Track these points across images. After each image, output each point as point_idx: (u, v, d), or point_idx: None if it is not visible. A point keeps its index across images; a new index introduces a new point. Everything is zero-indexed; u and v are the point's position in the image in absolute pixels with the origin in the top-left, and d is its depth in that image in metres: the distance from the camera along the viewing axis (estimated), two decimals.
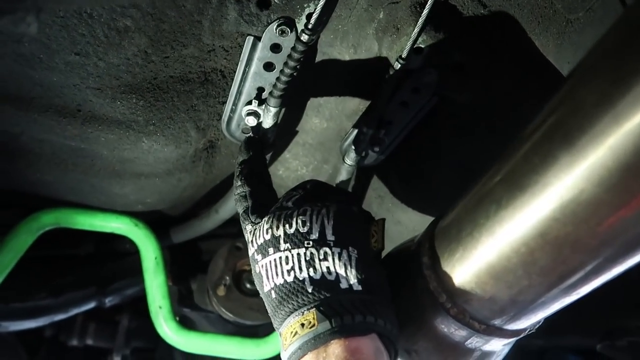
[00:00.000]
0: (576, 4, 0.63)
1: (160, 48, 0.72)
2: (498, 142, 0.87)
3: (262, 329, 1.27)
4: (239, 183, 0.74)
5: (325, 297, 0.55)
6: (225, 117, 0.89)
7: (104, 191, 1.01)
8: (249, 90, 0.83)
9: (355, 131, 0.94)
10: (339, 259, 0.57)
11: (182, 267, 1.29)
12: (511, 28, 0.72)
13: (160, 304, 1.11)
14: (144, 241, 1.12)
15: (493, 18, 0.74)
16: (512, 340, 0.59)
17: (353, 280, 0.56)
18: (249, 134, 0.86)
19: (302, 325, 0.54)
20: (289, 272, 0.58)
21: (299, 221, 0.60)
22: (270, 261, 0.60)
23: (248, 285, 1.25)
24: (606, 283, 0.47)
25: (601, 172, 0.37)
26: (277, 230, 0.61)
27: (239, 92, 0.84)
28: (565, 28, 0.67)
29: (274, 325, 0.61)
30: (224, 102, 0.88)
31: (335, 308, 0.54)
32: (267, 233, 0.61)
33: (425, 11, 0.70)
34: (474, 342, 0.58)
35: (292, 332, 0.55)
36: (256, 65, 0.79)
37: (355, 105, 0.95)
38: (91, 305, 1.25)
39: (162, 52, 0.73)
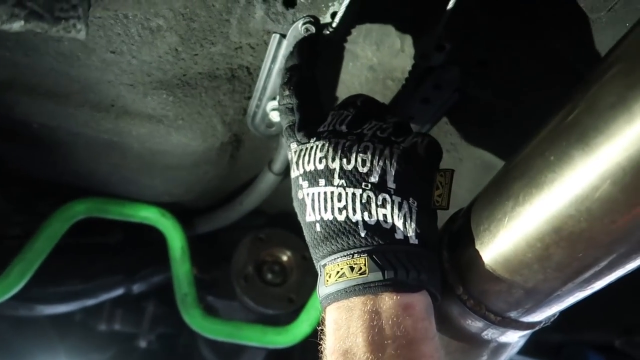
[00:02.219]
0: (598, 3, 0.64)
1: (190, 46, 0.75)
2: (517, 138, 0.88)
3: (283, 318, 1.30)
4: (287, 92, 0.65)
5: (379, 245, 0.52)
6: (250, 112, 0.92)
7: (134, 182, 1.05)
8: (273, 86, 0.85)
9: None
10: (399, 210, 0.53)
11: (207, 257, 1.33)
12: (533, 25, 0.73)
13: (186, 291, 1.16)
14: (171, 231, 1.17)
15: (515, 15, 0.75)
16: (528, 332, 0.61)
17: (411, 233, 0.53)
18: (307, 33, 0.74)
19: (352, 268, 0.52)
20: (340, 210, 0.54)
21: (359, 159, 0.55)
22: (319, 192, 0.56)
23: (270, 276, 1.28)
24: (625, 279, 0.49)
25: (616, 171, 0.39)
26: (332, 162, 0.56)
27: (264, 88, 0.87)
28: (587, 27, 0.67)
29: (313, 256, 0.58)
30: (250, 98, 0.91)
31: (389, 259, 0.51)
32: (319, 162, 0.57)
33: (448, 8, 0.72)
34: (490, 333, 0.60)
35: (337, 272, 0.53)
36: (281, 62, 0.81)
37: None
38: (120, 291, 1.31)
39: (191, 49, 0.76)
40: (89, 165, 0.99)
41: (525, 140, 0.52)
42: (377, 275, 0.51)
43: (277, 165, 1.01)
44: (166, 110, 0.84)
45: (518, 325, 0.58)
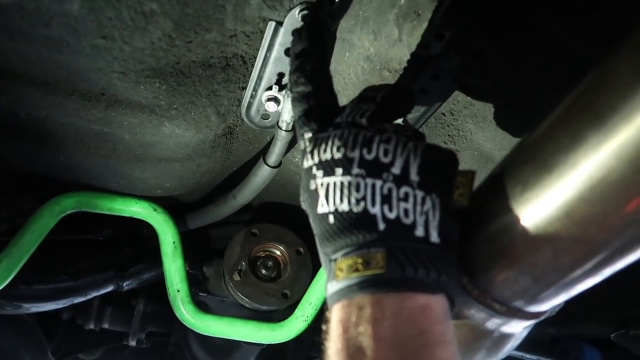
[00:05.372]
0: None
1: (184, 32, 0.73)
2: (516, 130, 0.87)
3: (276, 314, 1.28)
4: (301, 80, 0.61)
5: (398, 241, 0.49)
6: (245, 103, 0.90)
7: (125, 175, 1.03)
8: (269, 75, 0.84)
9: None
10: (422, 205, 0.50)
11: (199, 253, 1.31)
12: (532, 15, 0.72)
13: (178, 287, 1.13)
14: (163, 226, 1.14)
15: (514, 4, 0.74)
16: (532, 322, 0.60)
17: (432, 230, 0.50)
18: (311, 15, 0.71)
19: (368, 263, 0.48)
20: (358, 201, 0.50)
21: (382, 148, 0.52)
22: (335, 182, 0.52)
23: (263, 271, 1.26)
24: (620, 272, 0.48)
25: (632, 151, 0.38)
26: (352, 151, 0.52)
27: (260, 78, 0.85)
28: (586, 18, 0.66)
29: (322, 250, 0.54)
30: (245, 88, 0.89)
31: (409, 257, 0.48)
32: (337, 150, 0.53)
33: None
34: (494, 323, 0.59)
35: (351, 266, 0.49)
36: (277, 50, 0.80)
37: None
38: (109, 288, 1.28)
39: (185, 36, 0.74)
40: (78, 157, 0.96)
41: (526, 128, 0.51)
42: (396, 272, 0.47)
43: (273, 158, 0.99)
44: (159, 99, 0.81)
45: (523, 315, 0.57)
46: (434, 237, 0.49)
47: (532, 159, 0.47)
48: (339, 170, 0.52)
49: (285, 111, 0.87)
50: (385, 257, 0.48)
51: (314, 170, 0.54)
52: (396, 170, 0.51)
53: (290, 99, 0.70)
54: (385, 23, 0.81)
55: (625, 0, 0.61)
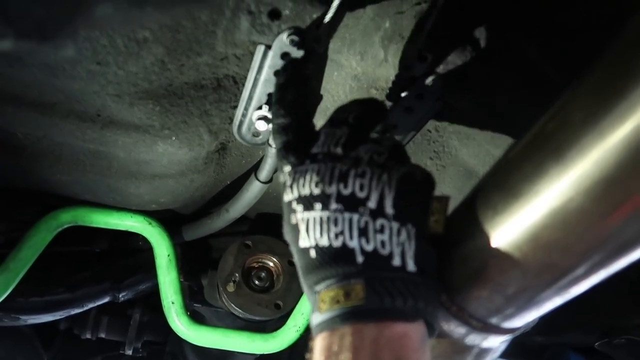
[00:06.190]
0: (572, 17, 0.66)
1: (176, 57, 0.76)
2: (498, 147, 0.90)
3: (269, 324, 1.31)
4: (281, 111, 0.65)
5: (377, 272, 0.51)
6: (236, 121, 0.93)
7: (120, 191, 1.05)
8: (259, 95, 0.86)
9: None
10: (397, 236, 0.52)
11: (193, 264, 1.33)
12: (513, 39, 0.75)
13: (172, 299, 1.16)
14: (158, 239, 1.17)
15: (495, 29, 0.77)
16: (509, 337, 0.63)
17: (409, 260, 0.52)
18: (292, 57, 0.75)
19: (348, 294, 0.51)
20: (337, 236, 0.53)
21: (357, 183, 0.54)
22: (314, 217, 0.55)
23: (257, 282, 1.29)
24: (605, 283, 0.50)
25: (587, 183, 0.41)
26: (329, 186, 0.55)
27: (250, 98, 0.87)
28: (562, 39, 0.69)
29: (305, 282, 0.56)
30: (236, 107, 0.92)
31: (387, 287, 0.50)
32: (316, 186, 0.55)
33: (430, 21, 0.74)
34: (473, 339, 0.61)
35: (333, 298, 0.52)
36: (267, 72, 0.82)
37: None
38: (106, 299, 1.30)
39: (177, 60, 0.77)
40: (73, 174, 0.98)
41: (505, 150, 0.54)
42: (374, 303, 0.50)
43: (264, 174, 1.01)
44: (152, 120, 0.84)
45: (499, 331, 0.59)
46: (411, 266, 0.52)
47: (502, 186, 0.50)
48: (318, 206, 0.55)
49: None
50: (364, 288, 0.50)
51: (294, 204, 0.56)
52: (372, 204, 0.53)
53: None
54: (371, 45, 0.84)
55: (590, 29, 0.64)
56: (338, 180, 0.55)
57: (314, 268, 0.54)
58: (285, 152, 0.61)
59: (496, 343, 0.63)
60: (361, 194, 0.54)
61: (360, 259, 0.52)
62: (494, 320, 0.59)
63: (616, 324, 1.19)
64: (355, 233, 0.52)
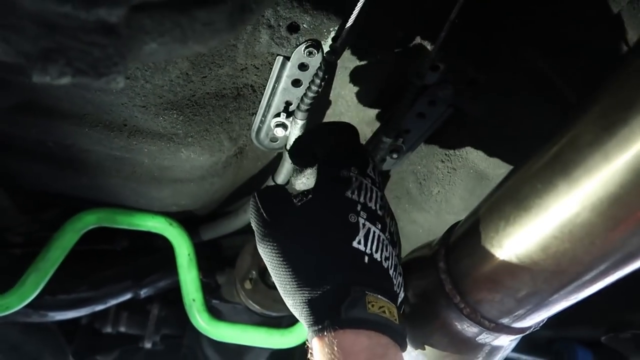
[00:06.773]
0: (588, 33, 0.69)
1: (199, 70, 0.80)
2: (508, 151, 0.93)
3: (285, 320, 1.35)
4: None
5: (400, 303, 0.64)
6: (255, 128, 0.97)
7: (143, 195, 1.10)
8: (277, 103, 0.90)
9: (376, 139, 1.01)
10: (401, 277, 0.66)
11: (212, 262, 1.38)
12: (524, 49, 0.78)
13: (193, 297, 1.20)
14: (178, 239, 1.21)
15: (507, 39, 0.80)
16: (519, 336, 0.66)
17: (401, 293, 0.65)
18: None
19: (390, 311, 0.59)
20: (386, 259, 0.63)
21: (394, 230, 0.68)
22: (376, 232, 0.63)
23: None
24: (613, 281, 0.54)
25: (593, 200, 0.44)
26: (386, 217, 0.66)
27: (269, 105, 0.91)
28: (569, 50, 0.72)
29: (340, 272, 0.60)
30: (254, 114, 0.95)
31: (402, 316, 0.62)
32: (380, 209, 0.65)
33: (443, 32, 0.77)
34: (484, 338, 0.65)
35: (381, 307, 0.58)
36: (285, 81, 0.86)
37: (375, 114, 1.02)
38: (127, 296, 1.35)
39: (200, 73, 0.81)
40: (99, 179, 1.03)
41: (515, 166, 0.57)
42: (402, 327, 0.59)
43: (281, 177, 1.05)
44: (176, 128, 0.88)
45: (510, 331, 0.63)
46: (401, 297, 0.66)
47: (513, 199, 0.53)
48: (379, 226, 0.62)
49: (292, 136, 0.93)
50: (398, 313, 0.60)
51: (359, 207, 0.62)
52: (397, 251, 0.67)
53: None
54: (385, 54, 0.87)
55: (605, 46, 0.67)
56: (390, 218, 0.67)
57: (364, 271, 0.60)
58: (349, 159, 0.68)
59: (507, 342, 0.67)
60: (395, 239, 0.66)
61: (395, 288, 0.62)
62: (505, 321, 0.62)
63: (623, 318, 1.22)
64: (393, 264, 0.63)
